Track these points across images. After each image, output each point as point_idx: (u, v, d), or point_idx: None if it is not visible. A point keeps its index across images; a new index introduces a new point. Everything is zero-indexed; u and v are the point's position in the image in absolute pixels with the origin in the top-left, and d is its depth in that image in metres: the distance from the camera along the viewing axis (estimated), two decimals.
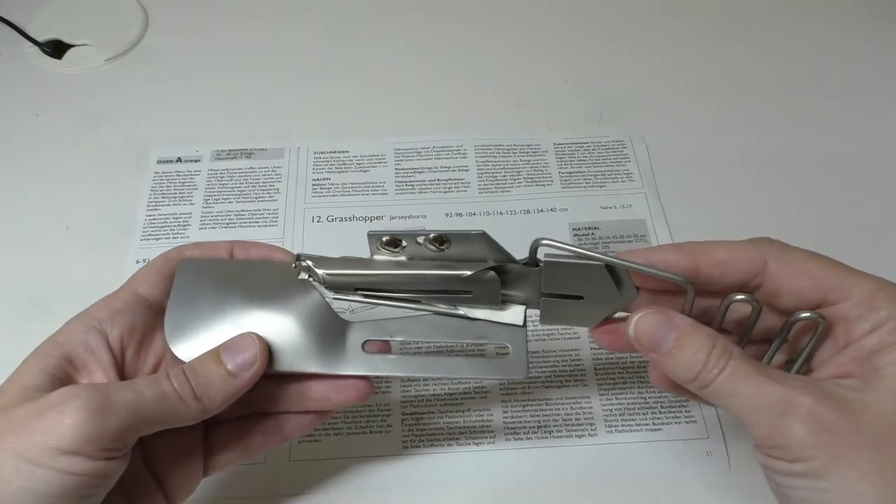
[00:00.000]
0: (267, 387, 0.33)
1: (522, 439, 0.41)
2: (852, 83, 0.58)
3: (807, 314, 0.28)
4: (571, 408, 0.42)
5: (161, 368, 0.32)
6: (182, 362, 0.31)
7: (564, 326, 0.45)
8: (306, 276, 0.33)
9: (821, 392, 0.26)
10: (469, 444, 0.41)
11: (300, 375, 0.33)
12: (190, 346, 0.31)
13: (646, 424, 0.42)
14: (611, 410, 0.42)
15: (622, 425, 0.42)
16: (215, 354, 0.30)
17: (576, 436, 0.41)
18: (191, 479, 0.32)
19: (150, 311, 0.32)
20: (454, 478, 0.40)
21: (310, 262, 0.32)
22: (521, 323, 0.33)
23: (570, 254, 0.29)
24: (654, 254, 0.29)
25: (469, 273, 0.30)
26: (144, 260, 0.48)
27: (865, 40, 0.61)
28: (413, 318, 0.33)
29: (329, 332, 0.33)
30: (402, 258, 0.32)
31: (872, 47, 0.61)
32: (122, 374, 0.30)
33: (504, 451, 0.41)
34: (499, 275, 0.31)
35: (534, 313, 0.33)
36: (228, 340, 0.31)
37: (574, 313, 0.32)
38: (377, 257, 0.32)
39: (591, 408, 0.42)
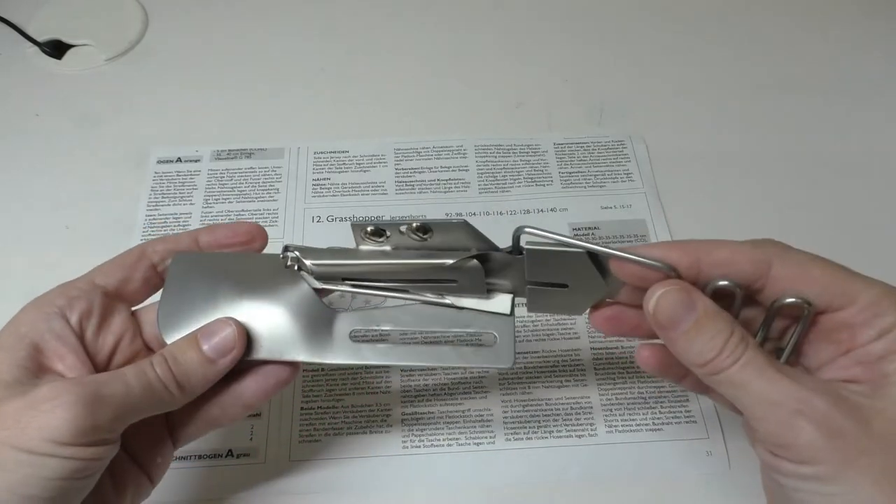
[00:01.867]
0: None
1: (522, 439, 0.41)
2: (853, 83, 0.58)
3: (791, 299, 0.27)
4: (571, 408, 0.42)
5: (120, 347, 0.32)
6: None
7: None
8: (295, 267, 0.33)
9: (835, 395, 0.25)
10: (469, 444, 0.41)
11: (236, 373, 0.33)
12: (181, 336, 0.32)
13: (646, 424, 0.42)
14: (611, 410, 0.42)
15: (622, 425, 0.42)
16: (193, 339, 0.31)
17: (576, 436, 0.41)
18: (164, 455, 0.33)
19: (105, 297, 0.32)
20: (454, 478, 0.40)
21: (297, 253, 0.33)
22: (508, 312, 0.33)
23: (552, 241, 0.29)
24: (653, 250, 0.28)
25: (451, 262, 0.31)
26: None
27: (866, 40, 0.61)
28: (400, 308, 0.34)
29: (316, 321, 0.33)
30: (387, 248, 0.32)
31: (873, 47, 0.61)
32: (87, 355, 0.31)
33: (504, 451, 0.41)
34: (482, 263, 0.31)
35: (521, 301, 0.33)
36: (205, 325, 0.31)
37: (561, 302, 0.32)
38: (362, 247, 0.32)
39: (591, 408, 0.42)
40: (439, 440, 0.41)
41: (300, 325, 0.33)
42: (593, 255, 0.29)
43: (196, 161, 0.54)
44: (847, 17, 0.63)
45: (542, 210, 0.51)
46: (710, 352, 0.27)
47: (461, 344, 0.33)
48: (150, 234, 0.50)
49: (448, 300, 0.33)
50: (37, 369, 0.29)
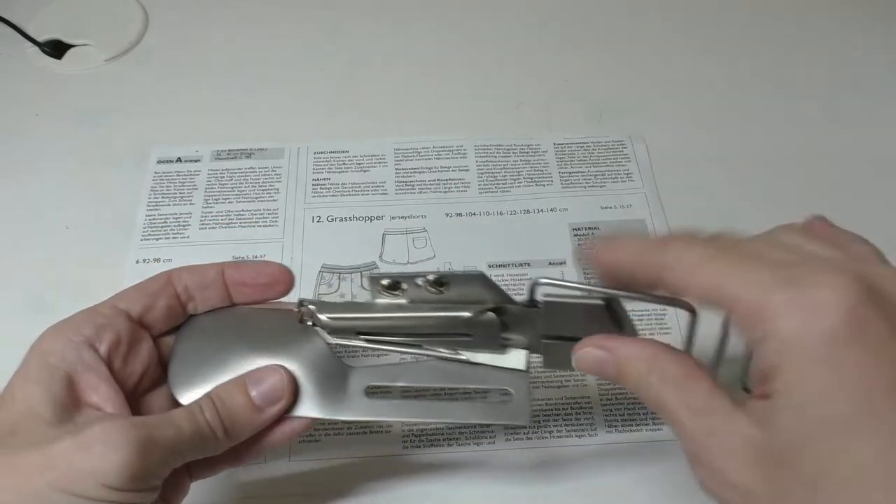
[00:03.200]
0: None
1: (522, 439, 0.41)
2: (852, 82, 0.58)
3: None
4: (571, 408, 0.42)
5: (146, 377, 0.32)
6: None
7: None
8: (309, 322, 0.33)
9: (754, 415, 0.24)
10: (469, 444, 0.41)
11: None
12: (194, 396, 0.31)
13: (646, 424, 0.42)
14: (611, 410, 0.42)
15: (622, 425, 0.42)
16: (241, 384, 0.30)
17: (576, 436, 0.41)
18: (181, 488, 0.32)
19: (130, 323, 0.31)
20: (454, 478, 0.40)
21: (312, 307, 0.32)
22: (523, 367, 0.33)
23: (569, 292, 0.29)
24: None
25: (468, 315, 0.31)
26: (144, 260, 0.48)
27: (866, 39, 0.61)
28: (415, 364, 0.34)
29: (331, 377, 0.33)
30: (403, 301, 0.32)
31: (873, 46, 0.61)
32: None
33: (504, 451, 0.41)
34: (498, 315, 0.31)
35: (536, 358, 0.33)
36: (254, 371, 0.31)
37: None
38: (378, 300, 0.32)
39: (591, 408, 0.42)
40: (439, 440, 0.41)
41: (314, 381, 0.32)
42: (609, 307, 0.29)
43: (196, 161, 0.54)
44: (848, 16, 0.63)
45: (541, 210, 0.51)
46: (645, 389, 0.27)
47: (476, 398, 0.33)
48: (150, 235, 0.50)
49: (463, 356, 0.33)
50: (73, 404, 0.28)
